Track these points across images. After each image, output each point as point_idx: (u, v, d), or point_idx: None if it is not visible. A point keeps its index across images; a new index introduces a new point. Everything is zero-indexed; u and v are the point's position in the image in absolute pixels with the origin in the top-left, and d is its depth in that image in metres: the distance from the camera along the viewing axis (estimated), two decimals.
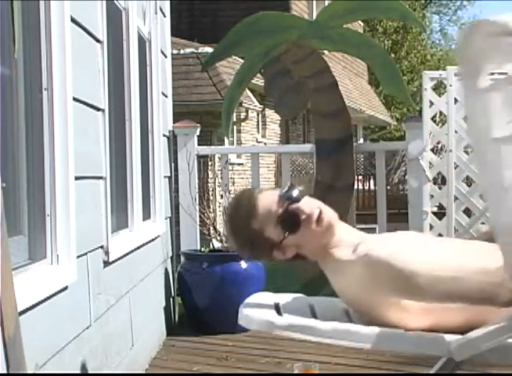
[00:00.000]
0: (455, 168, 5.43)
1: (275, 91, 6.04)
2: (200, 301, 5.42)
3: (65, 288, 2.88)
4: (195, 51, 14.01)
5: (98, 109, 3.57)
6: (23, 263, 2.65)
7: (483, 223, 5.51)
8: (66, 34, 2.97)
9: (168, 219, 5.77)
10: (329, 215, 2.34)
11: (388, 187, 15.13)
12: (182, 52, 13.68)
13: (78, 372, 3.06)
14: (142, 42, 5.13)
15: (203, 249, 5.81)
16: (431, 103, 5.60)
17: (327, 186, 5.74)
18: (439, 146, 6.07)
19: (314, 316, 2.36)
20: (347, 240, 2.34)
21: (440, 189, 5.79)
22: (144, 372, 4.42)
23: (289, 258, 2.36)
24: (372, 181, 16.52)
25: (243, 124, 15.52)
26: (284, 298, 2.50)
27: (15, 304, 2.01)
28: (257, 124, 17.20)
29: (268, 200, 2.32)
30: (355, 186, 6.07)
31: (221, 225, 5.91)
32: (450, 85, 5.38)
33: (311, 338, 2.18)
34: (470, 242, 2.41)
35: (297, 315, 2.29)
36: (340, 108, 5.89)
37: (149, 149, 5.23)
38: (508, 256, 1.88)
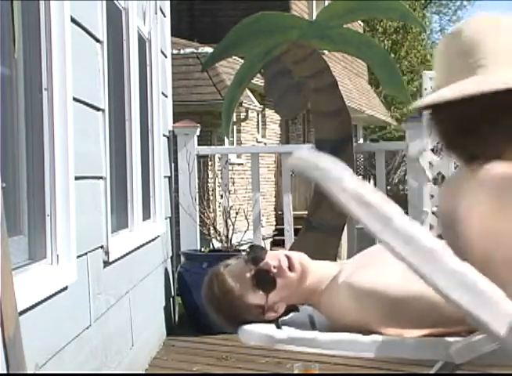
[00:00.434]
0: (455, 168, 5.43)
1: (275, 91, 6.03)
2: (200, 301, 5.38)
3: (65, 288, 2.88)
4: (195, 51, 14.00)
5: (98, 109, 3.57)
6: (23, 263, 2.65)
7: None
8: (66, 34, 2.97)
9: (168, 219, 5.77)
10: (298, 257, 2.31)
11: (388, 187, 15.13)
12: (182, 52, 13.68)
13: (78, 372, 3.06)
14: (142, 42, 5.13)
15: (203, 249, 5.81)
16: None
17: None
18: (439, 146, 6.06)
19: (313, 325, 2.35)
20: (328, 274, 2.30)
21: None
22: (144, 372, 4.42)
23: (283, 314, 2.34)
24: (372, 181, 16.51)
25: (243, 124, 15.52)
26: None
27: (15, 304, 2.01)
28: (257, 124, 17.20)
29: (235, 270, 2.30)
30: None
31: (221, 226, 5.91)
32: None
33: (312, 350, 2.17)
34: None
35: (296, 326, 2.28)
36: (340, 108, 5.89)
37: (149, 149, 5.23)
38: None
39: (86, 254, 3.25)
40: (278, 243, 13.60)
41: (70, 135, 2.98)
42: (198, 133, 6.18)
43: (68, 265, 2.94)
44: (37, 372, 2.49)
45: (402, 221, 1.65)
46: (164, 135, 5.76)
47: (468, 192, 1.72)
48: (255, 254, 2.33)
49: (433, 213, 5.66)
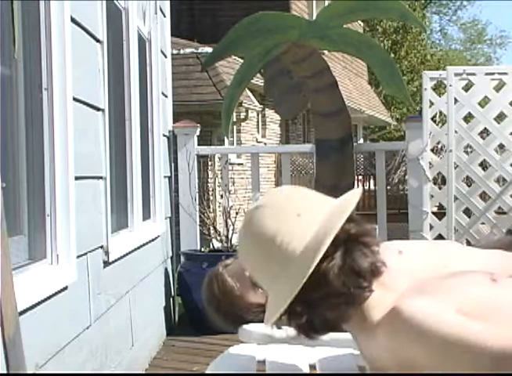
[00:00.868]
0: (455, 168, 5.42)
1: (275, 91, 6.03)
2: (200, 301, 5.38)
3: (65, 288, 2.88)
4: (195, 51, 14.00)
5: (98, 109, 3.57)
6: (23, 263, 2.65)
7: (483, 223, 5.50)
8: (66, 34, 2.97)
9: (168, 219, 5.77)
10: None
11: (388, 187, 15.13)
12: (181, 52, 13.67)
13: (78, 372, 3.06)
14: (142, 42, 5.13)
15: (203, 249, 5.81)
16: (431, 103, 5.59)
17: (327, 186, 5.73)
18: (439, 146, 6.06)
19: None
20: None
21: (440, 189, 5.79)
22: (144, 372, 4.42)
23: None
24: (372, 181, 16.52)
25: (243, 124, 15.52)
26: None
27: (15, 304, 2.01)
28: (257, 124, 17.20)
29: (234, 269, 2.27)
30: (355, 186, 6.07)
31: (221, 226, 5.91)
32: (450, 85, 5.37)
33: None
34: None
35: None
36: (340, 108, 5.89)
37: (149, 149, 5.23)
38: None
39: (86, 254, 3.25)
40: None
41: (70, 135, 2.98)
42: (198, 133, 6.18)
43: (68, 265, 2.94)
44: (37, 372, 2.49)
45: None
46: (164, 135, 5.76)
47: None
48: None
49: (433, 213, 5.66)
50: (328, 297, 1.59)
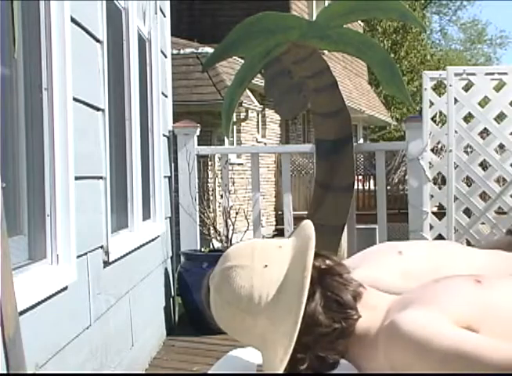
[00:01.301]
0: (455, 168, 5.42)
1: (275, 91, 6.03)
2: (200, 301, 5.39)
3: (65, 288, 2.88)
4: (195, 51, 14.01)
5: (98, 109, 3.57)
6: (23, 263, 2.65)
7: (483, 223, 5.50)
8: (66, 34, 2.97)
9: (168, 219, 5.77)
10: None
11: (388, 187, 15.13)
12: (181, 52, 13.68)
13: (78, 372, 3.06)
14: (142, 42, 5.13)
15: (203, 249, 5.81)
16: (431, 103, 5.59)
17: (327, 186, 5.74)
18: (439, 146, 6.07)
19: None
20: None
21: (440, 189, 5.79)
22: (144, 372, 4.42)
23: None
24: (372, 181, 16.51)
25: (243, 124, 15.52)
26: None
27: (15, 304, 2.01)
28: (257, 124, 17.20)
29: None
30: (355, 186, 6.07)
31: (221, 226, 5.91)
32: (450, 85, 5.37)
33: None
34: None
35: None
36: (340, 108, 5.89)
37: (149, 149, 5.23)
38: None
39: (86, 254, 3.25)
40: None
41: (70, 135, 2.98)
42: (198, 133, 6.18)
43: (68, 265, 2.94)
44: (37, 372, 2.49)
45: None
46: (164, 135, 5.76)
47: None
48: None
49: (433, 213, 5.66)
50: (321, 336, 1.58)
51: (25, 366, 2.04)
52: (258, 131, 17.25)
